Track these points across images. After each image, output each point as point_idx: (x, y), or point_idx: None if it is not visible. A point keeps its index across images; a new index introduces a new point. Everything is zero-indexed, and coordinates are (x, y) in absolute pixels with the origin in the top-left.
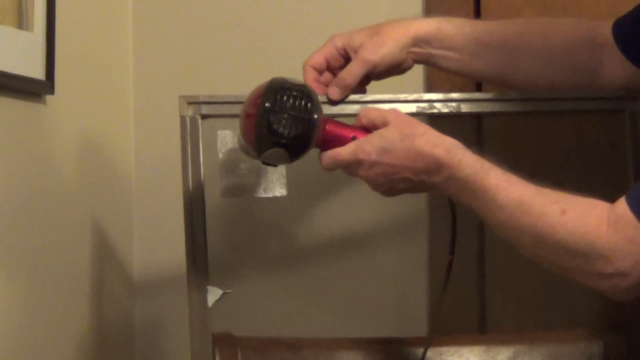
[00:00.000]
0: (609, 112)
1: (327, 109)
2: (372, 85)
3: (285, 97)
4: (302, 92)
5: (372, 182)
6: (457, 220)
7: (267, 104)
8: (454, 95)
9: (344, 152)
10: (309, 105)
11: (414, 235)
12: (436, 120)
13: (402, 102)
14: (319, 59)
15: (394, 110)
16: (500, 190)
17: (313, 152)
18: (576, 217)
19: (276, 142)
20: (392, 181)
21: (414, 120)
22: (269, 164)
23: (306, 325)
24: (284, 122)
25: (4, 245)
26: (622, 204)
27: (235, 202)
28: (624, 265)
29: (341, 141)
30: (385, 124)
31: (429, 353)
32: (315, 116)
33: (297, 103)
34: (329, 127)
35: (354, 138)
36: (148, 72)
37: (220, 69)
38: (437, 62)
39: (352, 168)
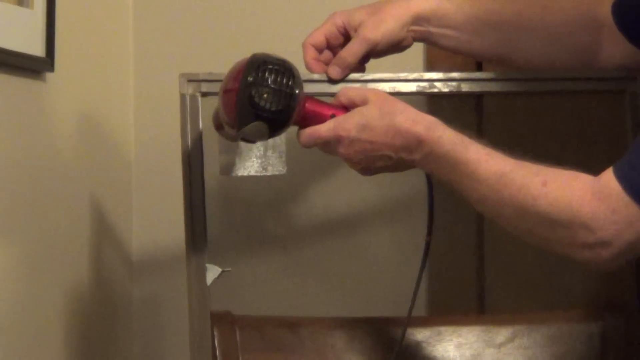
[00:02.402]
0: (609, 93)
1: (328, 88)
2: (372, 64)
3: (267, 72)
4: (284, 67)
5: (350, 159)
6: (449, 201)
7: (249, 78)
8: (455, 74)
9: (323, 129)
10: (290, 80)
11: (413, 215)
12: (436, 100)
13: (402, 81)
14: (319, 37)
15: (374, 89)
16: (481, 163)
17: None
18: (558, 188)
19: (257, 116)
20: (371, 159)
21: (393, 98)
22: (247, 140)
23: (304, 304)
24: (266, 96)
25: (3, 224)
26: (608, 175)
27: (234, 180)
28: (606, 235)
29: (320, 119)
30: (364, 102)
31: (428, 332)
32: (297, 91)
33: (279, 77)
34: (308, 105)
35: (333, 116)
36: (148, 50)
37: (219, 47)
38: (437, 40)
39: (331, 145)
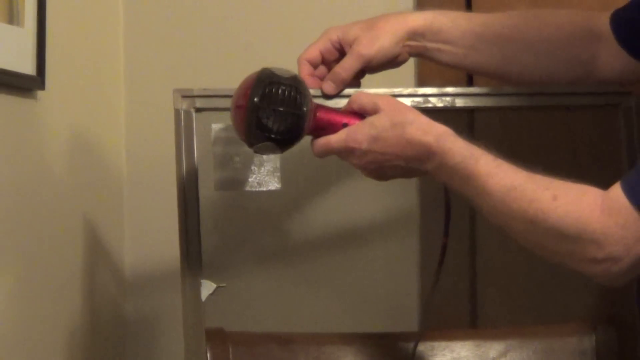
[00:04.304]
0: (602, 107)
1: (322, 103)
2: (364, 79)
3: (273, 91)
4: (291, 85)
5: (363, 169)
6: (440, 215)
7: (255, 99)
8: (449, 89)
9: (335, 140)
10: (297, 98)
11: (406, 230)
12: (427, 114)
13: (397, 96)
14: (314, 53)
15: (385, 96)
16: (491, 176)
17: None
18: (568, 202)
19: (266, 137)
20: (384, 168)
21: (404, 106)
22: (261, 154)
23: (299, 320)
24: (273, 118)
25: None
26: (616, 190)
27: (229, 196)
28: (615, 250)
29: (332, 128)
30: (375, 111)
31: (421, 347)
32: (305, 109)
33: (285, 97)
34: (320, 114)
35: (345, 125)
36: (139, 67)
37: (211, 63)
38: (432, 55)
39: (343, 155)
